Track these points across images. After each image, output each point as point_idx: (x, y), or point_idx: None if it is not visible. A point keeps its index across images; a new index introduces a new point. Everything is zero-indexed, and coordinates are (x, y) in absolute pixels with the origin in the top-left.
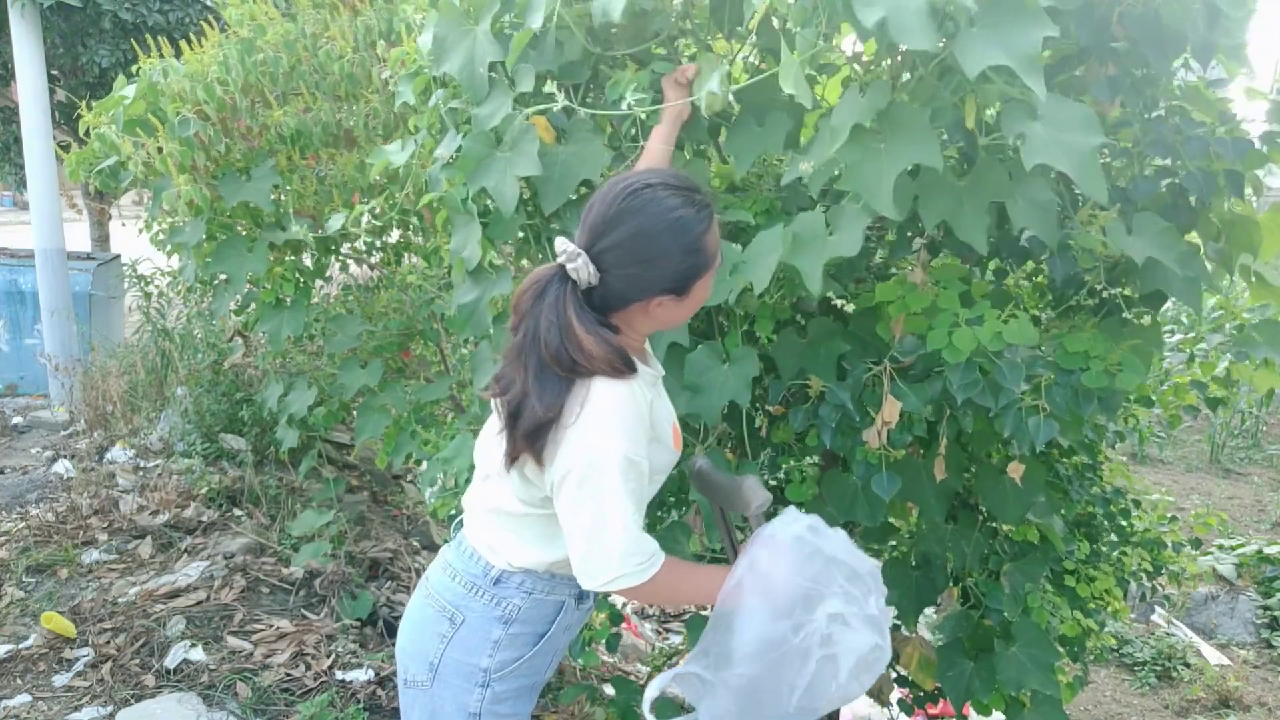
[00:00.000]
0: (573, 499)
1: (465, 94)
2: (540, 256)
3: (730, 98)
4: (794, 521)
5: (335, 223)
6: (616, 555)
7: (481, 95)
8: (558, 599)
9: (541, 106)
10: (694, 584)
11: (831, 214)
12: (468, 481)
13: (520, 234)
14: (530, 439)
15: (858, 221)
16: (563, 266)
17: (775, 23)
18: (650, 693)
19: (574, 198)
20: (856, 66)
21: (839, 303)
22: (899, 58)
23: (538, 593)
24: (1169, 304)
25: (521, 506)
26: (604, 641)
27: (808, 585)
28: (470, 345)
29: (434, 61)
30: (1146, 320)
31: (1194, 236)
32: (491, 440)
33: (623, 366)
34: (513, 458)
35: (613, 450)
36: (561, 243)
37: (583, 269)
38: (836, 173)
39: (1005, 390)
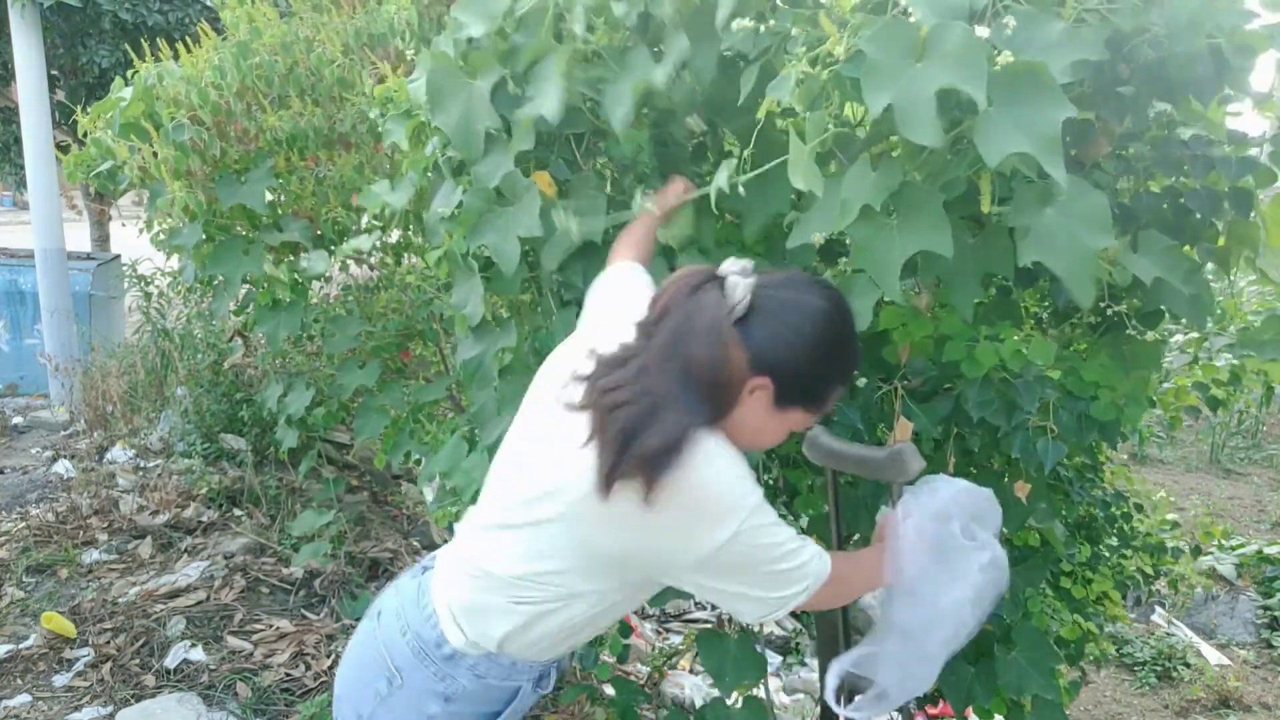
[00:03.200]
0: (739, 565)
1: (462, 152)
2: (543, 307)
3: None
4: (944, 485)
5: (363, 242)
6: (804, 573)
7: (477, 155)
8: (513, 685)
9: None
10: (866, 565)
11: (844, 282)
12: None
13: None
14: (651, 465)
15: (869, 295)
16: (721, 277)
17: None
18: (832, 681)
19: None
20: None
21: None
22: None
23: (490, 678)
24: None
25: (521, 568)
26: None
27: (966, 544)
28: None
29: (429, 110)
30: (1149, 337)
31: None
32: (516, 479)
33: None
34: (612, 478)
35: (751, 494)
36: (734, 261)
37: (743, 288)
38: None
39: (1018, 411)
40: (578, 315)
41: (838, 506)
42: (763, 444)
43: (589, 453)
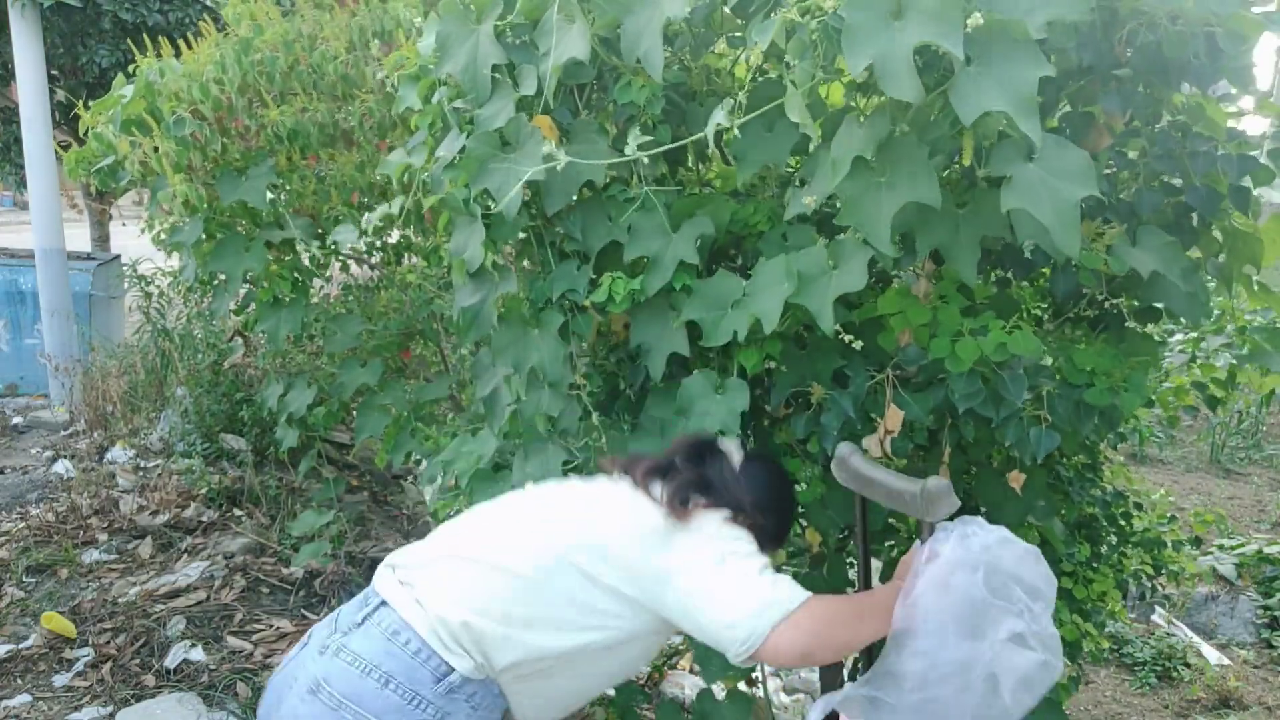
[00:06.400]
0: (706, 561)
1: (468, 95)
2: (542, 258)
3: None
4: (980, 531)
5: (344, 234)
6: (766, 598)
7: (484, 96)
8: (499, 711)
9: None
10: (871, 605)
11: (833, 248)
12: (470, 486)
13: (521, 235)
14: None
15: (860, 255)
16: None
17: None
18: (814, 715)
19: (576, 199)
20: (856, 96)
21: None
22: None
23: (483, 708)
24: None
25: (545, 599)
26: None
27: (997, 603)
28: (471, 347)
29: (437, 62)
30: (1150, 328)
31: (1194, 252)
32: (539, 511)
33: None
34: (674, 506)
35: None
36: (723, 439)
37: (736, 456)
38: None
39: (1007, 402)
40: (577, 268)
41: (865, 534)
42: None
43: (630, 502)
